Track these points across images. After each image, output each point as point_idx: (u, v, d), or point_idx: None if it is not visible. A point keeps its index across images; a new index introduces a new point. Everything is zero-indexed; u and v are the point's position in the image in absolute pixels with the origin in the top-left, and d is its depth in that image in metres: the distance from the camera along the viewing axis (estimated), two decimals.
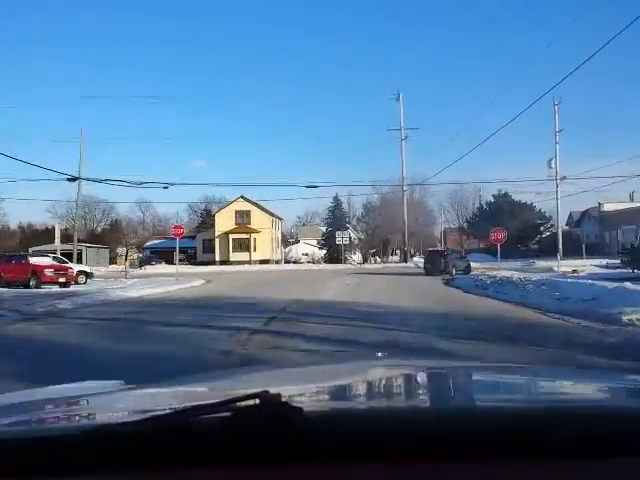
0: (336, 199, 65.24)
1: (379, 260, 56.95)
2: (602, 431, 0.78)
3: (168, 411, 0.81)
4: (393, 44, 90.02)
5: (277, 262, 50.99)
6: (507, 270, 23.88)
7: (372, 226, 58.92)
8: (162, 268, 43.23)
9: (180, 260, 53.32)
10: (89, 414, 1.08)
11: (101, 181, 28.36)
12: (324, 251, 63.54)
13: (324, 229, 65.84)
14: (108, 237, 59.83)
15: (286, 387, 1.19)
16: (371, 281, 23.06)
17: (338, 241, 43.20)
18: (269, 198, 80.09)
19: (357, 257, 65.48)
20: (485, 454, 0.73)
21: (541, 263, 36.67)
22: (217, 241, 48.32)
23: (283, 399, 0.75)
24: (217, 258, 47.80)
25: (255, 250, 48.01)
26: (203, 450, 0.73)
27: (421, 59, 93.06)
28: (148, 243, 60.64)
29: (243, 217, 48.61)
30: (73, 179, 27.37)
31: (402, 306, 11.63)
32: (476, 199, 69.70)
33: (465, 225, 65.29)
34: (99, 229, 65.08)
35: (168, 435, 0.74)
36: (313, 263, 50.83)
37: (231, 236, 47.75)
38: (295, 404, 0.76)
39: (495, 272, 22.62)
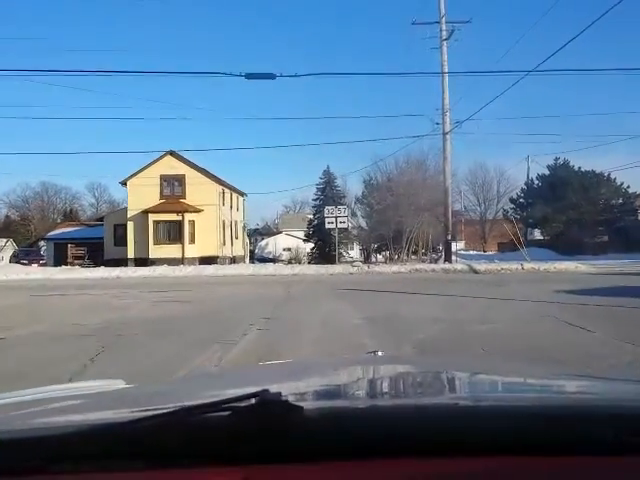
0: (327, 173, 48.00)
1: (389, 257, 38.07)
2: (592, 430, 0.77)
3: (168, 410, 0.79)
4: None
5: (234, 260, 32.38)
6: None
7: (378, 209, 40.11)
8: (21, 271, 24.44)
9: (78, 257, 34.85)
10: (89, 413, 1.05)
11: None
12: (311, 244, 46.02)
13: (312, 216, 48.24)
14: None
15: (286, 386, 1.18)
16: None
17: (329, 224, 24.57)
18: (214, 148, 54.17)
19: (355, 252, 48.41)
20: (487, 452, 0.74)
21: None
22: (130, 226, 29.56)
23: (283, 398, 0.76)
24: (130, 254, 29.13)
25: (193, 241, 29.32)
26: (203, 450, 0.73)
27: None
28: (52, 233, 42.18)
29: (172, 186, 29.77)
30: None
31: None
32: (501, 182, 52.52)
33: (508, 209, 46.93)
34: (59, 220, 57.96)
35: (168, 435, 0.74)
36: (291, 263, 32.32)
37: (152, 218, 28.95)
38: (295, 403, 0.76)
39: None
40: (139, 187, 29.11)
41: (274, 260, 42.40)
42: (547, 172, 43.75)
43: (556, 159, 43.47)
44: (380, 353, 1.98)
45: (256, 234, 66.19)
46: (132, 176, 29.82)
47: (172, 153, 29.66)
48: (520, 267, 21.88)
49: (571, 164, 42.65)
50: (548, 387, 1.27)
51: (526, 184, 45.39)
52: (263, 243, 60.69)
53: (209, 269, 23.64)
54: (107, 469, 0.72)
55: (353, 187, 55.02)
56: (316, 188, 47.77)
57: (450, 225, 23.52)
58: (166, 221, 28.89)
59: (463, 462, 0.72)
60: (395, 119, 68.06)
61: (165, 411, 0.78)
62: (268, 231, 66.43)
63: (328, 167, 45.65)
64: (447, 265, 22.87)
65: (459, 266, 22.64)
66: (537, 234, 46.89)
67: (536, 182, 44.55)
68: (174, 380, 1.74)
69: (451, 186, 24.06)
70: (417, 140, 43.37)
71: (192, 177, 29.56)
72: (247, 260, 37.95)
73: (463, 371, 1.47)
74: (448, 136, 23.18)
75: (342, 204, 40.78)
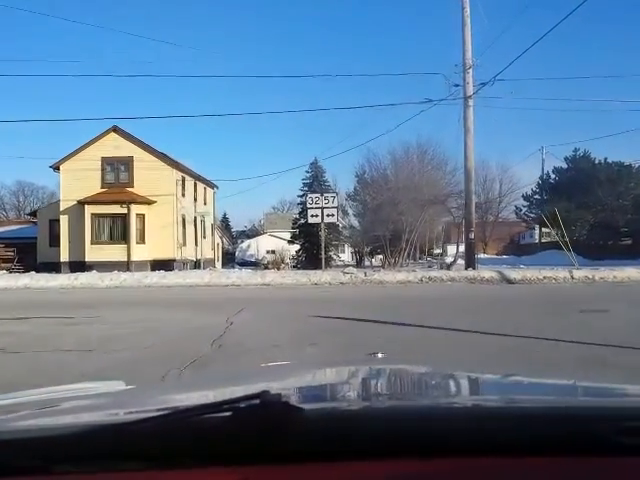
0: (315, 166, 42.28)
1: (385, 261, 32.19)
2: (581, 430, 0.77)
3: (168, 411, 0.80)
4: None
5: (199, 264, 26.41)
6: None
7: (373, 205, 34.32)
8: None
9: (7, 260, 28.73)
10: (89, 414, 1.05)
11: None
12: (297, 246, 40.28)
13: (298, 215, 42.58)
14: None
15: (286, 387, 1.18)
16: None
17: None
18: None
19: (346, 255, 42.93)
20: (487, 452, 0.74)
21: None
22: (63, 222, 23.49)
23: (283, 399, 0.76)
24: (64, 257, 23.08)
25: (143, 240, 23.33)
26: (203, 451, 0.74)
27: None
28: None
29: (117, 171, 23.74)
30: None
31: None
32: (504, 179, 47.13)
33: (522, 207, 41.47)
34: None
35: (168, 435, 0.74)
36: (267, 268, 26.46)
37: (90, 210, 22.89)
38: (295, 404, 0.76)
39: None
40: (75, 172, 23.07)
41: (256, 264, 36.82)
42: (565, 165, 38.37)
43: (575, 150, 38.14)
44: (380, 355, 1.95)
45: (243, 236, 61.20)
46: (66, 158, 23.71)
47: (116, 130, 23.62)
48: (569, 275, 16.26)
49: (592, 156, 37.33)
50: (546, 388, 1.26)
51: (541, 178, 39.91)
52: (244, 245, 55.17)
53: (152, 277, 17.69)
54: (107, 469, 0.72)
55: (344, 183, 49.29)
56: (302, 183, 42.12)
57: (473, 219, 17.73)
58: (108, 215, 22.85)
59: (463, 462, 0.72)
60: (400, 91, 60.55)
61: (166, 412, 0.78)
62: (255, 233, 61.28)
63: (316, 159, 39.98)
64: (471, 272, 17.08)
65: (486, 274, 16.84)
66: (536, 235, 42.03)
67: (552, 176, 39.11)
68: (174, 382, 1.75)
69: (474, 167, 18.25)
70: (418, 118, 37.70)
71: (142, 160, 23.52)
72: (218, 264, 31.99)
73: (464, 374, 1.46)
74: (471, 101, 17.35)
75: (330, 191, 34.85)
